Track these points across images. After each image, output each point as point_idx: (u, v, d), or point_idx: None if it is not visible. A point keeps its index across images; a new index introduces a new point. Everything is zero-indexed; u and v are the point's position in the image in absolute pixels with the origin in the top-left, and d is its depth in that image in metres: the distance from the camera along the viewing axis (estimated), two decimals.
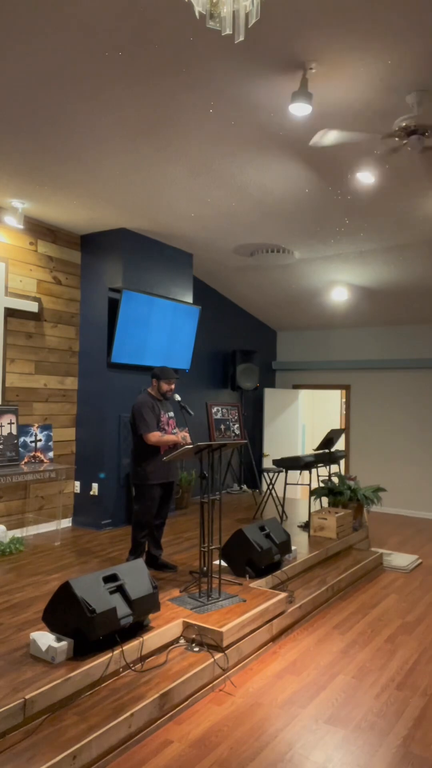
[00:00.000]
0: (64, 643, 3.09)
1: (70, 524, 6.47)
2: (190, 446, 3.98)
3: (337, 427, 10.45)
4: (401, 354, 8.79)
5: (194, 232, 6.39)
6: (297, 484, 7.95)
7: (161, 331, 6.73)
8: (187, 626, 3.64)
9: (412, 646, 3.96)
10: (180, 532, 6.10)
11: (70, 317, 6.51)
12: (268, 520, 4.91)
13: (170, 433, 4.67)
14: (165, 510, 4.80)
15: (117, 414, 6.43)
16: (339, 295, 8.00)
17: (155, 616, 3.62)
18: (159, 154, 4.46)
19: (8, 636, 3.43)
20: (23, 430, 5.71)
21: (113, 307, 6.30)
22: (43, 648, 3.10)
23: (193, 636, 3.57)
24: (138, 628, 3.44)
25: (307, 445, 10.37)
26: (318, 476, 7.02)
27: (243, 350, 8.79)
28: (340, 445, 8.85)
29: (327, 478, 6.56)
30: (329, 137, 3.67)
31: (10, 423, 5.57)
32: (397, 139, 3.69)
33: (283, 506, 6.77)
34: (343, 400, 9.91)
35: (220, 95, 3.60)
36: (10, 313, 5.84)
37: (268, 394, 9.62)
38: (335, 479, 6.48)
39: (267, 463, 9.37)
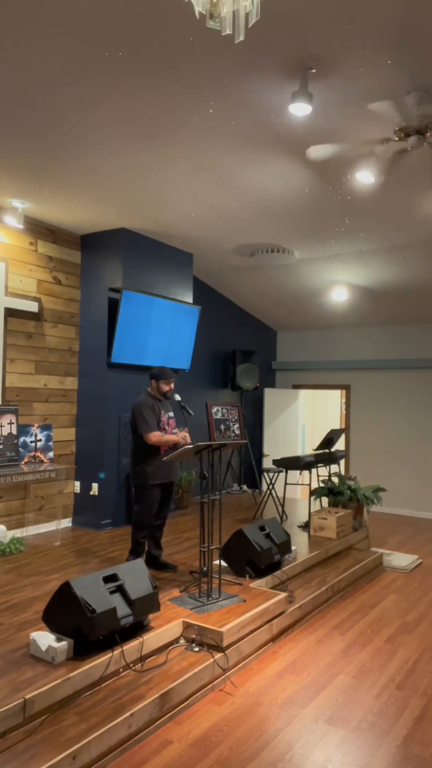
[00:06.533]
0: (64, 643, 3.09)
1: (70, 524, 6.46)
2: (190, 446, 3.98)
3: (337, 427, 10.45)
4: (401, 354, 8.79)
5: (194, 232, 6.39)
6: (297, 484, 7.95)
7: (161, 331, 6.73)
8: (187, 626, 3.64)
9: (412, 646, 3.96)
10: (180, 532, 6.10)
11: (70, 317, 6.51)
12: (268, 520, 4.91)
13: (170, 433, 4.67)
14: (165, 510, 4.80)
15: (117, 414, 6.43)
16: (339, 295, 8.00)
17: (155, 616, 3.62)
18: (159, 154, 4.46)
19: (8, 636, 3.43)
20: (23, 430, 5.71)
21: (113, 307, 6.30)
22: (43, 648, 3.10)
23: (193, 636, 3.57)
24: (138, 628, 3.44)
25: (307, 445, 10.37)
26: (318, 476, 7.02)
27: (243, 350, 8.79)
28: (340, 445, 8.85)
29: (327, 478, 6.56)
30: (323, 151, 3.67)
31: (10, 423, 5.57)
32: (396, 139, 3.69)
33: (283, 506, 6.77)
34: (343, 400, 9.91)
35: (220, 95, 3.60)
36: (10, 313, 5.83)
37: (268, 394, 9.62)
38: (335, 479, 6.48)
39: (267, 463, 9.37)
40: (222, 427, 7.51)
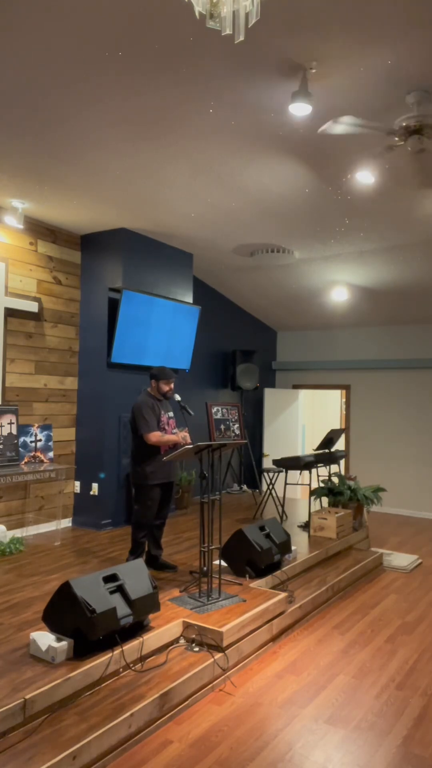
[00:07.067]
0: (64, 643, 3.09)
1: (70, 524, 6.46)
2: (190, 446, 3.98)
3: (337, 427, 10.45)
4: (401, 354, 8.79)
5: (194, 232, 6.39)
6: (297, 484, 7.95)
7: (161, 331, 6.73)
8: (187, 626, 3.64)
9: (412, 646, 3.96)
10: (180, 532, 6.10)
11: (70, 317, 6.51)
12: (268, 520, 4.91)
13: (170, 433, 4.67)
14: (165, 510, 4.80)
15: (117, 414, 6.43)
16: (339, 295, 8.00)
17: (155, 616, 3.62)
18: (159, 154, 4.46)
19: (8, 636, 3.43)
20: (23, 430, 5.71)
21: (113, 307, 6.30)
22: (43, 648, 3.10)
23: (193, 636, 3.57)
24: (138, 628, 3.44)
25: (307, 445, 10.37)
26: (318, 476, 7.01)
27: (243, 350, 8.79)
28: (340, 445, 8.84)
29: (327, 478, 6.56)
30: (339, 126, 3.63)
31: (10, 423, 5.57)
32: (396, 139, 3.69)
33: (283, 506, 6.77)
34: (343, 400, 9.91)
35: (220, 95, 3.60)
36: (10, 313, 5.83)
37: (268, 394, 9.61)
38: (335, 479, 6.48)
39: (267, 463, 9.37)
40: (222, 427, 7.51)
